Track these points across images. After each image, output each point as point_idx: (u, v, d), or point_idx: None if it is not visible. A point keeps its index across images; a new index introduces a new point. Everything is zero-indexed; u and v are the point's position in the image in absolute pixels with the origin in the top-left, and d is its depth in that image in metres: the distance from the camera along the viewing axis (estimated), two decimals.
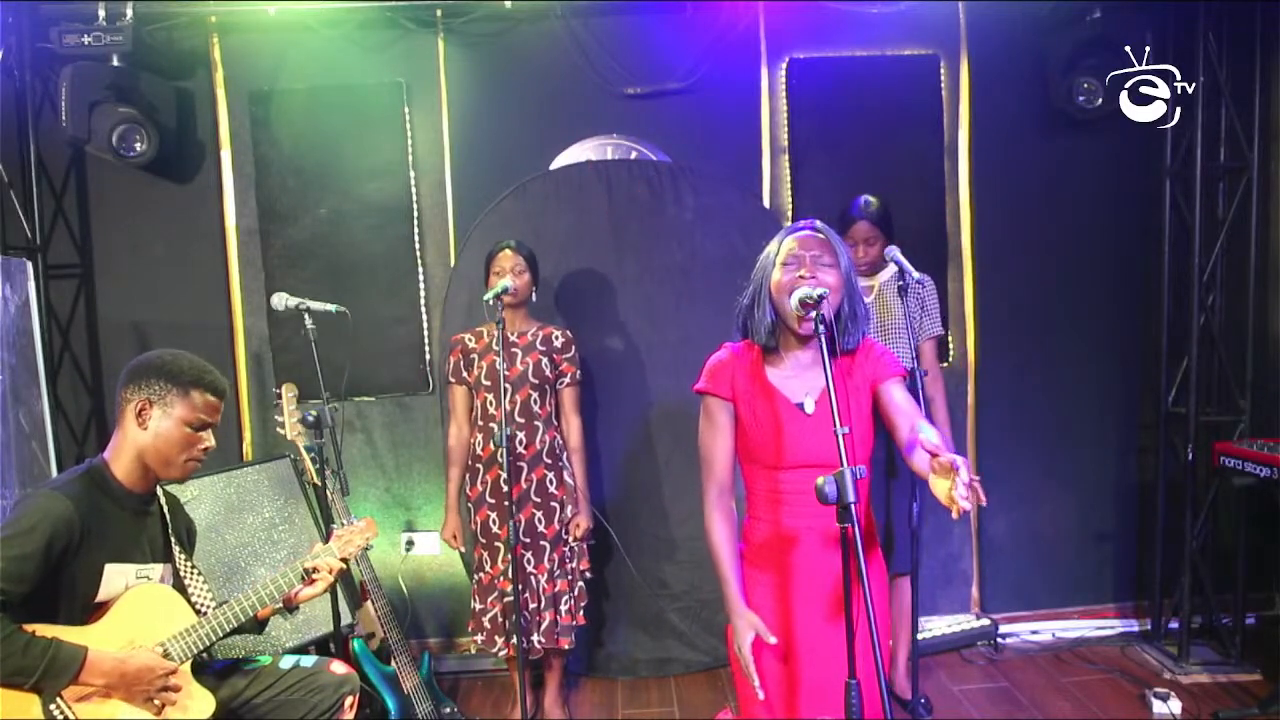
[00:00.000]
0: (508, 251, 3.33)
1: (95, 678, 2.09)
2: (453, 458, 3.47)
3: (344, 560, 2.52)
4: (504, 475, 3.07)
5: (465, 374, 3.42)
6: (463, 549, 3.51)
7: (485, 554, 3.39)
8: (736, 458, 2.17)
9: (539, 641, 3.36)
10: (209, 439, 2.32)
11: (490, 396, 3.32)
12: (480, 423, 3.39)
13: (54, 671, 2.04)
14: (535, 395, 3.36)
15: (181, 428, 2.26)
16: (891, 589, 3.39)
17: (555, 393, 3.44)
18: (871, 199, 3.45)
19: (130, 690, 2.14)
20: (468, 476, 3.44)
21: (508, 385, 3.30)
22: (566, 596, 3.42)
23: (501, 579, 3.35)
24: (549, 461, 3.37)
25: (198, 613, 2.35)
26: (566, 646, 3.43)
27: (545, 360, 3.38)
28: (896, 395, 2.07)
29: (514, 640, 3.14)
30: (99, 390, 4.02)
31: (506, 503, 3.15)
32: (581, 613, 3.49)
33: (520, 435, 3.33)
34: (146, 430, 2.25)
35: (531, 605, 3.36)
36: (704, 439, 2.16)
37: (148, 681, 2.16)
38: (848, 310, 2.05)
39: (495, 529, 3.35)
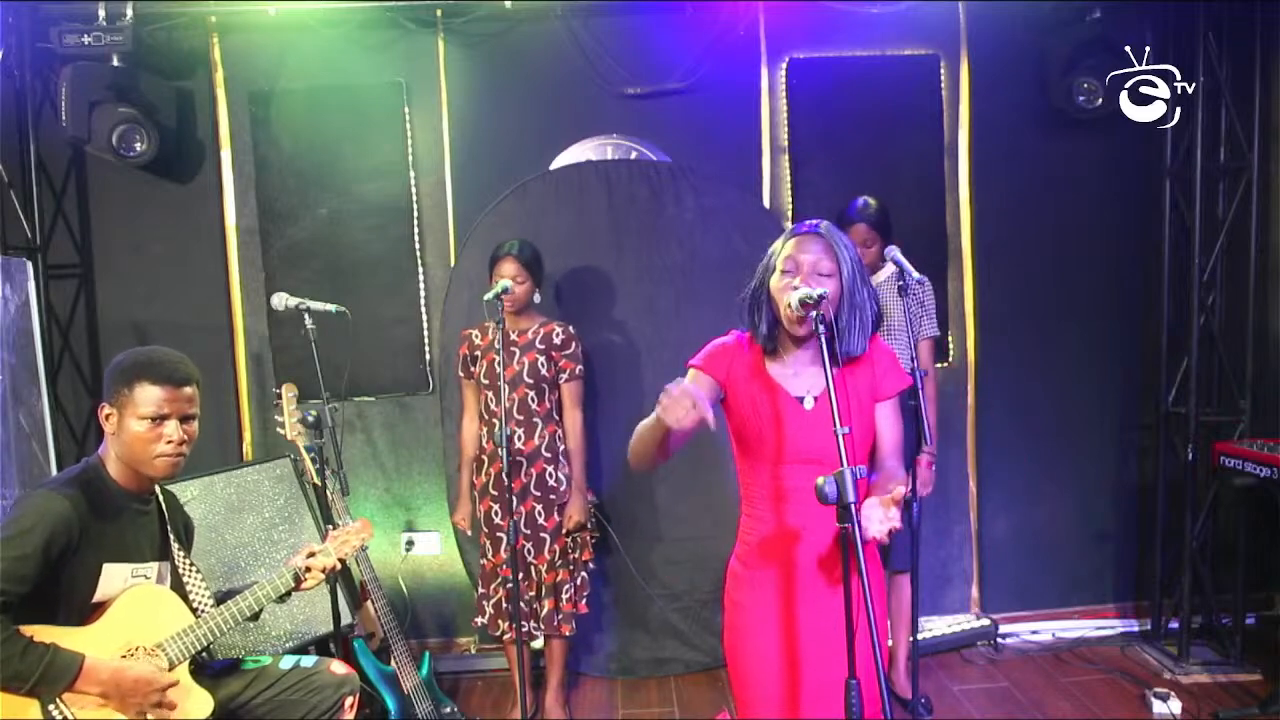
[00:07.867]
0: (509, 260, 3.36)
1: (91, 685, 2.09)
2: (465, 452, 3.57)
3: (340, 560, 2.52)
4: (504, 470, 3.16)
5: (471, 369, 3.49)
6: (470, 532, 3.58)
7: (488, 542, 3.48)
8: (734, 454, 2.17)
9: (538, 629, 3.45)
10: (173, 431, 2.23)
11: (491, 394, 3.38)
12: (485, 417, 3.46)
13: (50, 677, 2.04)
14: (532, 394, 3.41)
15: (138, 424, 2.20)
16: (890, 586, 3.39)
17: (556, 388, 3.48)
18: (870, 200, 3.44)
19: (125, 700, 2.13)
20: (474, 466, 3.53)
21: (504, 385, 3.36)
22: (568, 586, 3.50)
23: (504, 567, 3.43)
24: (548, 456, 3.43)
25: (195, 612, 2.35)
26: (568, 633, 3.51)
27: (542, 359, 3.41)
28: (882, 420, 2.12)
29: (516, 625, 3.20)
30: (99, 390, 4.01)
31: (508, 495, 3.23)
32: (583, 601, 3.57)
33: (519, 432, 3.40)
34: (115, 434, 2.24)
35: (529, 594, 3.44)
36: None
37: (144, 693, 2.15)
38: (846, 315, 2.02)
39: (497, 519, 3.42)
